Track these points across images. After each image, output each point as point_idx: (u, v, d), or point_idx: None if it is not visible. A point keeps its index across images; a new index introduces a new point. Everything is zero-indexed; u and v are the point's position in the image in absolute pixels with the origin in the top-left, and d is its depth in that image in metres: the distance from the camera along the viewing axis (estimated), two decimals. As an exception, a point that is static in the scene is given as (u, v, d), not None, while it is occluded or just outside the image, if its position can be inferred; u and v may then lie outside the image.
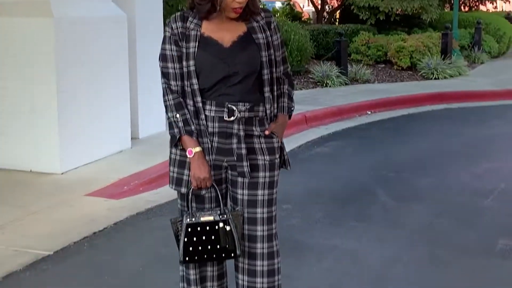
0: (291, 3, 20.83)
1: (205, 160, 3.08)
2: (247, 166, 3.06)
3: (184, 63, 3.06)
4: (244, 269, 3.20)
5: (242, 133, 3.06)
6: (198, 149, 3.07)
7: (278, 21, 9.93)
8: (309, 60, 14.04)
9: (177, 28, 3.08)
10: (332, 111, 10.34)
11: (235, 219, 3.10)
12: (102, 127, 7.31)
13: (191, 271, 3.22)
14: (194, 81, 3.05)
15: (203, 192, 3.12)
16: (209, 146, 3.09)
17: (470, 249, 4.96)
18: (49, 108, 6.69)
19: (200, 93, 3.06)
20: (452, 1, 19.53)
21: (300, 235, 5.21)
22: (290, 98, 3.26)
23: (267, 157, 3.13)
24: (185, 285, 3.28)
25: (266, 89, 3.12)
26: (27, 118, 6.80)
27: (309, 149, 8.44)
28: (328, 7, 20.11)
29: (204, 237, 3.08)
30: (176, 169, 3.15)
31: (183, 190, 3.13)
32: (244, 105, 3.06)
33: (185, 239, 3.08)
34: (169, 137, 3.14)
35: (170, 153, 3.17)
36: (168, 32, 3.10)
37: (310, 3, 21.37)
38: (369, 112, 10.70)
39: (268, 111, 3.14)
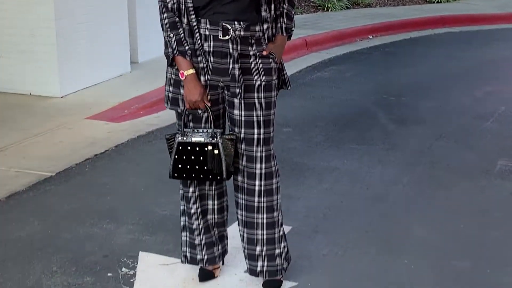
0: None
1: (198, 82, 3.05)
2: (239, 87, 3.02)
3: (179, -20, 2.99)
4: (243, 188, 3.22)
5: (236, 52, 3.01)
6: (191, 71, 3.03)
7: None
8: (310, -17, 13.81)
9: None
10: (333, 35, 10.24)
11: (225, 143, 3.10)
12: (101, 51, 7.26)
13: (190, 189, 3.24)
14: (188, -2, 2.99)
15: (199, 112, 3.10)
16: (205, 66, 3.06)
17: (470, 170, 5.00)
18: (48, 32, 6.63)
19: (195, 11, 3.00)
20: None
21: (301, 158, 5.23)
22: (290, 18, 3.18)
23: (263, 78, 3.08)
24: (185, 203, 3.30)
25: (264, 8, 3.04)
26: (27, 42, 6.75)
27: (310, 73, 8.39)
28: None
29: (192, 157, 3.10)
30: (171, 89, 3.13)
31: (180, 109, 3.12)
32: (240, 24, 3.00)
33: (175, 156, 3.13)
34: (168, 61, 3.11)
35: (167, 72, 3.14)
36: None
37: None
38: (371, 37, 10.60)
39: (265, 31, 3.08)
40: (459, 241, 3.87)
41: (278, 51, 3.15)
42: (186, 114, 3.12)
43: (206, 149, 3.08)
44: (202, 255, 3.33)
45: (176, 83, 3.11)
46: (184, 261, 3.41)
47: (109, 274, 3.46)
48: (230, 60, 3.01)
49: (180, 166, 3.13)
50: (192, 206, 3.26)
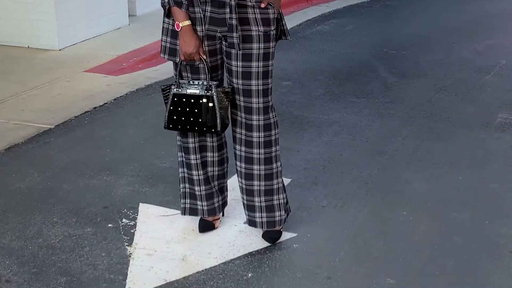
0: None
1: (194, 34, 3.01)
2: (237, 37, 2.98)
3: None
4: (242, 140, 3.20)
5: (234, 2, 2.95)
6: (186, 22, 2.99)
7: None
8: None
9: None
10: (333, -12, 10.11)
11: (220, 96, 3.08)
12: (99, 4, 7.18)
13: (190, 140, 3.23)
14: None
15: (197, 62, 3.08)
16: (202, 16, 3.02)
17: (470, 123, 4.99)
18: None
19: None
20: None
21: (300, 111, 5.21)
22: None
23: (261, 28, 3.04)
24: (184, 154, 3.30)
25: (262, -43, 3.00)
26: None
27: (310, 27, 8.32)
28: None
29: (187, 109, 3.09)
30: (169, 39, 3.10)
31: (177, 59, 3.09)
32: None
33: (171, 108, 3.11)
34: (166, 13, 3.08)
35: (163, 22, 3.10)
36: None
37: None
38: (371, -10, 10.46)
39: (263, -19, 3.03)
40: (458, 193, 3.89)
41: (276, 1, 3.10)
42: (184, 65, 3.09)
43: (201, 101, 3.06)
44: (202, 206, 3.34)
45: (173, 33, 3.07)
46: (184, 212, 3.42)
47: (109, 225, 3.48)
48: (228, 10, 2.97)
49: (175, 117, 3.12)
50: (192, 157, 3.26)
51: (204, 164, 3.29)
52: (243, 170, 3.25)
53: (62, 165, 4.19)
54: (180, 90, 3.09)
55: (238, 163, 3.27)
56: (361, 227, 3.48)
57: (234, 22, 2.97)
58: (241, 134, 3.20)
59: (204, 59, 3.05)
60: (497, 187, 3.95)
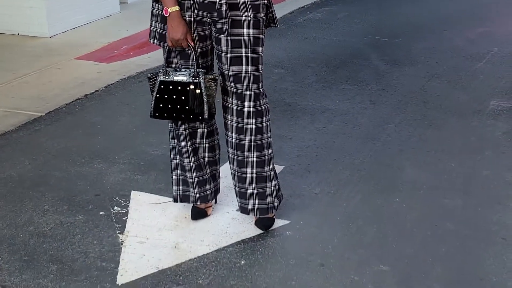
0: None
1: (182, 20, 2.99)
2: (227, 23, 2.96)
3: None
4: (233, 127, 3.17)
5: (222, -12, 2.93)
6: (175, 8, 2.97)
7: None
8: None
9: None
10: (325, -25, 10.07)
11: (208, 83, 3.06)
12: (89, -10, 7.13)
13: (180, 127, 3.22)
14: None
15: (186, 49, 3.05)
16: (191, 1, 2.99)
17: (462, 110, 4.98)
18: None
19: None
20: None
21: (293, 98, 5.20)
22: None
23: (251, 14, 3.01)
24: (175, 140, 3.28)
25: None
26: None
27: (302, 14, 8.29)
28: None
29: (174, 96, 3.07)
30: (159, 24, 3.07)
31: (166, 45, 3.06)
32: None
33: (157, 95, 3.09)
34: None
35: (153, 7, 3.08)
36: None
37: None
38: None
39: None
40: (451, 179, 3.88)
41: (266, -14, 3.07)
42: (173, 50, 3.07)
43: (188, 88, 3.04)
44: (194, 192, 3.33)
45: (163, 19, 3.04)
46: (176, 200, 3.40)
47: (101, 213, 3.46)
48: (217, -5, 2.94)
49: (161, 105, 3.09)
50: (183, 144, 3.24)
51: (195, 151, 3.27)
52: (235, 157, 3.23)
53: (53, 153, 4.17)
54: (167, 77, 3.07)
55: (230, 150, 3.25)
56: (353, 214, 3.48)
57: (223, 8, 2.94)
58: (232, 120, 3.18)
59: (192, 46, 3.02)
60: (489, 174, 3.95)
